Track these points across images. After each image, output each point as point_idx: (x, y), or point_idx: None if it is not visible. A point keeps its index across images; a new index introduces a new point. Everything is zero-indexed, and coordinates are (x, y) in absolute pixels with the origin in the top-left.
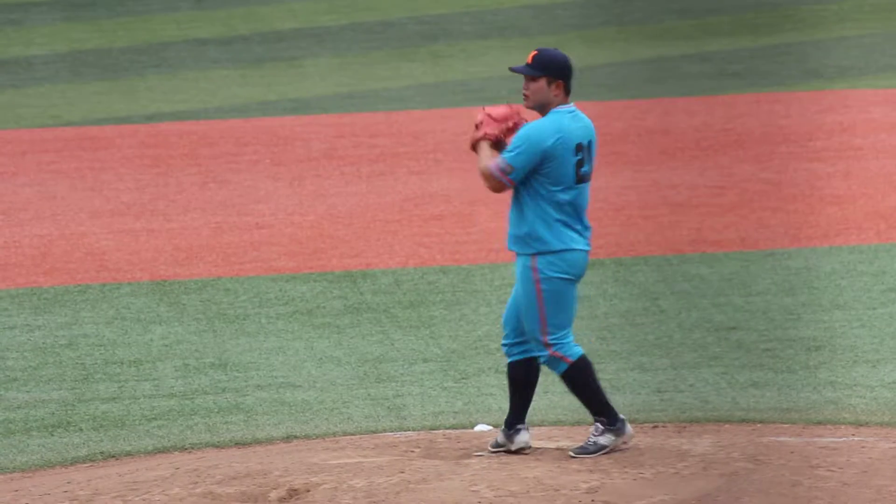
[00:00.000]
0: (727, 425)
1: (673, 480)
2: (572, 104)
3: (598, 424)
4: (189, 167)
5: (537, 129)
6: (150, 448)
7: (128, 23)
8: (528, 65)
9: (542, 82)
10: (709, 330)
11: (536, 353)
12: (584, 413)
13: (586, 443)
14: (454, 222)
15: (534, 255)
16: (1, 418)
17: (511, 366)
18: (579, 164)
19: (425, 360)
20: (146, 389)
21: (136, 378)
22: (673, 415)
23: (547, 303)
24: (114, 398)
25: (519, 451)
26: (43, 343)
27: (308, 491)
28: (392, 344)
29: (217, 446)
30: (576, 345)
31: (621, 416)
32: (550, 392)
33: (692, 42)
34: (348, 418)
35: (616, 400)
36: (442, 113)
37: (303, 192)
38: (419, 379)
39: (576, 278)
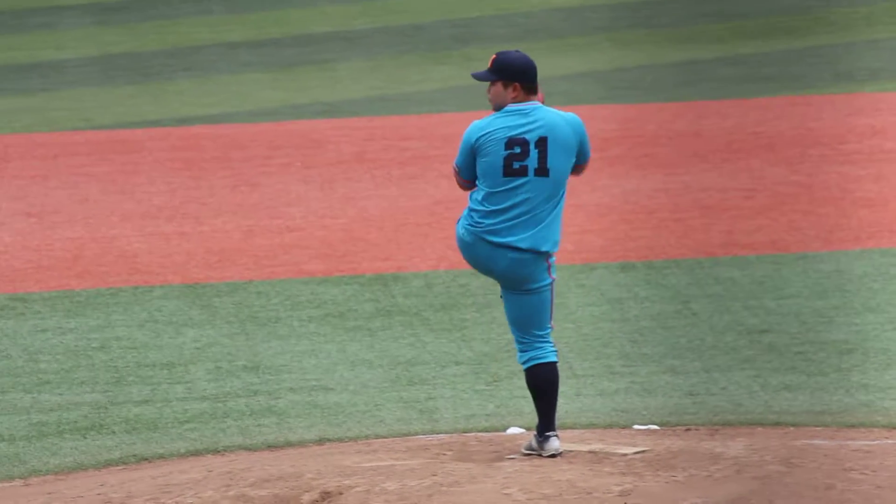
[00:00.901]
0: (760, 428)
1: (706, 483)
2: (534, 101)
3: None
4: (220, 170)
5: (469, 129)
6: (182, 451)
7: (158, 26)
8: (486, 70)
9: (499, 86)
10: (741, 333)
11: (550, 358)
12: (616, 416)
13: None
14: None
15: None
16: (34, 421)
17: (526, 373)
18: (512, 157)
19: (457, 363)
20: (179, 392)
21: (168, 381)
22: (705, 418)
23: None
24: (146, 401)
25: (550, 456)
26: (75, 346)
27: (340, 494)
28: (424, 347)
29: (249, 449)
30: None
31: None
32: (583, 395)
33: (723, 45)
34: (380, 421)
35: (648, 403)
36: (473, 116)
37: (334, 196)
38: (451, 382)
39: (474, 265)
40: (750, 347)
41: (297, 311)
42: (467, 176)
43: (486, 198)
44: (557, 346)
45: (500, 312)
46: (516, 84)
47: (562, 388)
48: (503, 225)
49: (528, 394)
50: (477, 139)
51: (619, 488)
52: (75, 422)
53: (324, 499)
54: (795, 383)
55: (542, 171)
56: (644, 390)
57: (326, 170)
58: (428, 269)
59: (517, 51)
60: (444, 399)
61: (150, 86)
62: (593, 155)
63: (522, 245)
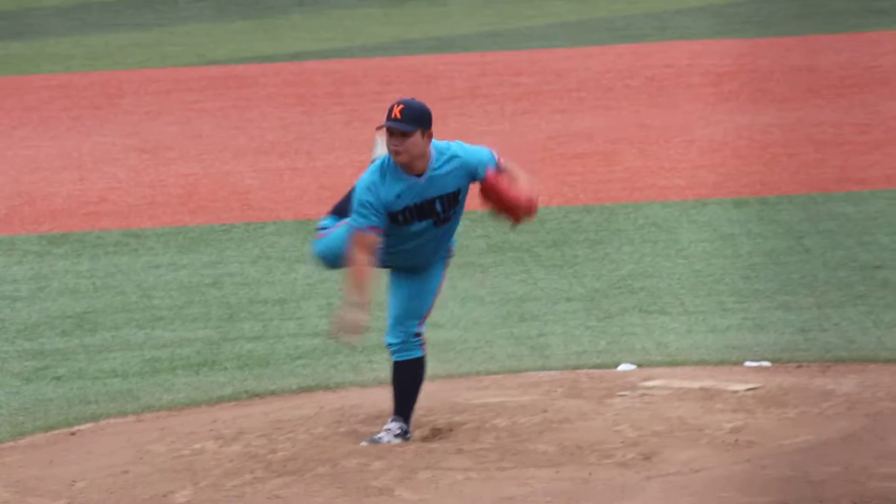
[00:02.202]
0: (872, 365)
1: (817, 420)
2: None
3: (397, 426)
4: (333, 106)
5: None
6: (294, 387)
7: None
8: (399, 120)
9: (417, 136)
10: (854, 269)
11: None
12: (728, 352)
13: (378, 438)
14: (597, 161)
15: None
16: (147, 357)
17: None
18: None
19: (568, 300)
20: (290, 328)
21: (280, 317)
22: (817, 354)
23: (439, 293)
24: (258, 337)
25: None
26: (188, 282)
27: (451, 430)
28: (535, 283)
29: (361, 385)
30: None
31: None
32: (694, 331)
33: None
34: (491, 357)
35: (760, 339)
36: (586, 51)
37: (446, 131)
38: (562, 318)
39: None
40: (863, 283)
41: None
42: None
43: None
44: (670, 283)
45: (612, 249)
46: (430, 131)
47: (673, 325)
48: None
49: (638, 330)
50: None
51: (731, 425)
52: (188, 358)
53: (434, 435)
54: None
55: None
56: (756, 326)
57: (439, 105)
58: (540, 206)
59: (415, 98)
60: (555, 335)
61: (263, 21)
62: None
63: None
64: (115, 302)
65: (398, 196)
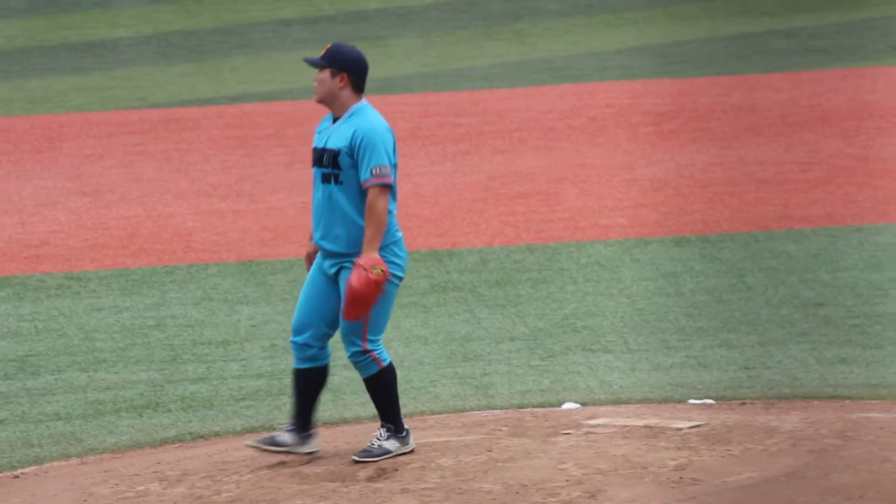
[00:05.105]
0: (815, 402)
1: (761, 457)
2: (364, 100)
3: (384, 430)
4: (275, 147)
5: (381, 126)
6: (238, 428)
7: (213, 4)
8: (319, 57)
9: (326, 73)
10: (796, 306)
11: (325, 361)
12: (672, 390)
13: (370, 445)
14: (540, 201)
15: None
16: (90, 399)
17: (304, 372)
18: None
19: (512, 339)
20: (234, 370)
21: (223, 359)
22: (761, 391)
23: (378, 304)
24: (202, 379)
25: (311, 454)
26: (131, 324)
27: (396, 470)
28: (479, 323)
29: None
30: (385, 350)
31: (407, 426)
32: (638, 369)
33: (778, 18)
34: (436, 397)
35: (703, 377)
36: (527, 91)
37: None
38: (506, 357)
39: (404, 276)
40: (805, 321)
41: None
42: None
43: (393, 200)
44: (613, 321)
45: (555, 288)
46: (344, 75)
47: (617, 363)
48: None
49: (582, 369)
50: (392, 136)
51: (675, 462)
52: (131, 400)
53: (379, 475)
54: (851, 356)
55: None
56: (699, 364)
57: None
58: (483, 245)
59: (353, 46)
60: (499, 375)
61: (204, 64)
62: None
63: None
64: (57, 345)
65: (318, 132)
